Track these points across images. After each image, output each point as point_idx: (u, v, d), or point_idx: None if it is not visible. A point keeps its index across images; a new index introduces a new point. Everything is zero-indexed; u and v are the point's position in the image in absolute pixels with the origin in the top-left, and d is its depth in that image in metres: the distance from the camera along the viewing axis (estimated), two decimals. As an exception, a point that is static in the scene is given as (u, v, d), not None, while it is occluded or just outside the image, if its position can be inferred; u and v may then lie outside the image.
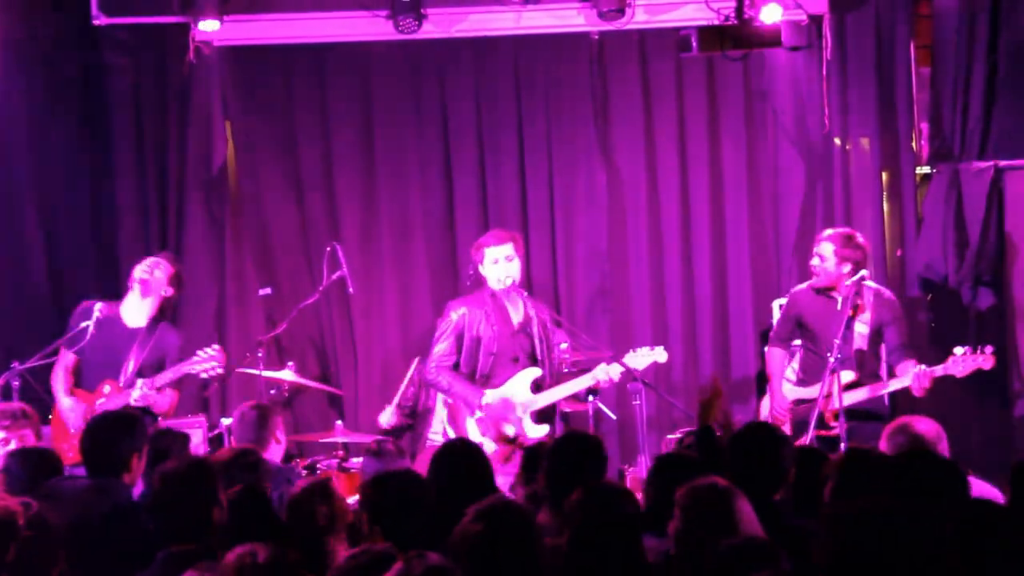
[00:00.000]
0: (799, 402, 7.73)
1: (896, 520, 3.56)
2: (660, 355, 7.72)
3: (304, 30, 9.13)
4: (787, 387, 7.91)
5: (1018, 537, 3.85)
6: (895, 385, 7.65)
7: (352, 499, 6.05)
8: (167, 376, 7.51)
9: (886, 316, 7.79)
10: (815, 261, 7.81)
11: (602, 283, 9.39)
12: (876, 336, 7.77)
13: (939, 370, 7.55)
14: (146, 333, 7.65)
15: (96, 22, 8.93)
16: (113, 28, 9.03)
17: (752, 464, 5.01)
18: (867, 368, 7.73)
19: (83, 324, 7.58)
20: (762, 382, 8.92)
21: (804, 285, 8.00)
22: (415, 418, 8.78)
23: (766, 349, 8.49)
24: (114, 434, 5.50)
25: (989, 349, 7.56)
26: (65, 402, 7.55)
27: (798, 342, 7.97)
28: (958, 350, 7.54)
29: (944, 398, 8.38)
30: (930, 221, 9.07)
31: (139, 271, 7.70)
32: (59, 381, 7.64)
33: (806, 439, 7.09)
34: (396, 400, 8.63)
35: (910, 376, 7.54)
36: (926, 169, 9.30)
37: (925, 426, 5.85)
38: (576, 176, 9.45)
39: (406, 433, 8.77)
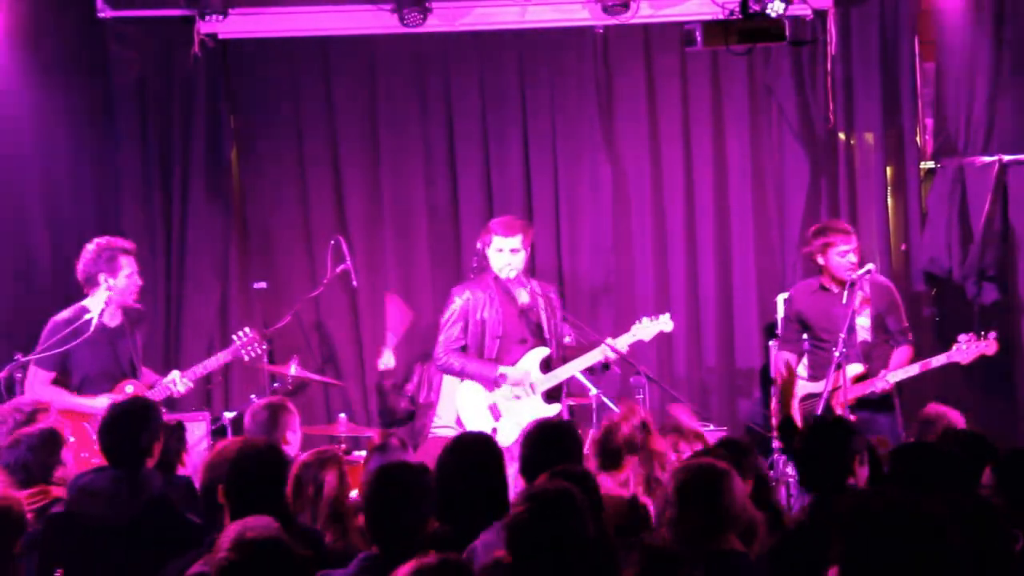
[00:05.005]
0: (808, 396, 7.75)
1: (905, 513, 3.57)
2: (666, 324, 7.72)
3: (309, 23, 9.17)
4: (799, 384, 7.92)
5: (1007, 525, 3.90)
6: (902, 375, 7.73)
7: (353, 492, 6.07)
8: (209, 365, 7.64)
9: (883, 304, 7.90)
10: (850, 257, 7.82)
11: (606, 277, 9.40)
12: (879, 325, 7.86)
13: (943, 358, 7.67)
14: (129, 326, 7.67)
15: (101, 15, 8.97)
16: (118, 21, 9.06)
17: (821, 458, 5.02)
18: (874, 357, 7.80)
19: (86, 317, 7.55)
20: (766, 376, 8.94)
21: (805, 282, 8.16)
22: (416, 407, 8.78)
23: (774, 352, 8.58)
24: (134, 424, 5.51)
25: (992, 335, 7.68)
26: (100, 400, 7.33)
27: (806, 336, 8.01)
28: (962, 337, 7.67)
29: (949, 391, 8.40)
30: (934, 216, 9.07)
31: (136, 281, 7.61)
32: (52, 392, 7.37)
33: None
34: (391, 344, 8.72)
35: (916, 367, 7.67)
36: (930, 164, 9.30)
37: (957, 418, 6.23)
38: (580, 170, 9.45)
39: (407, 424, 8.77)
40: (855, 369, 7.67)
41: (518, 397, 7.57)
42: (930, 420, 6.46)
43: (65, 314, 7.58)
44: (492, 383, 7.60)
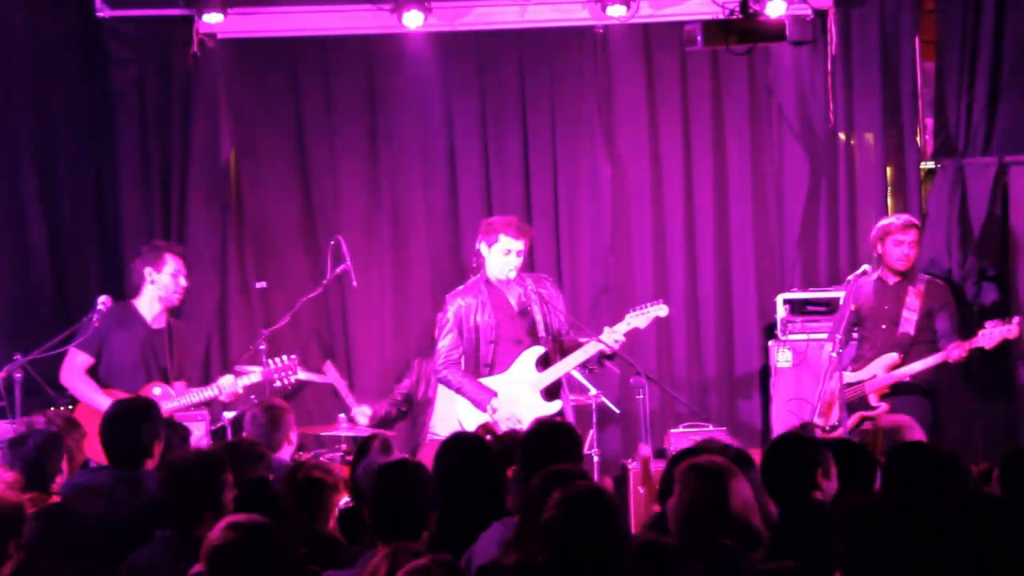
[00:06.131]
0: (847, 386, 7.79)
1: (906, 515, 3.57)
2: (661, 309, 7.68)
3: (308, 23, 9.16)
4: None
5: (1009, 525, 3.89)
6: (931, 361, 7.82)
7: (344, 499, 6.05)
8: (249, 381, 7.63)
9: (935, 303, 8.01)
10: (904, 249, 7.95)
11: (606, 277, 9.38)
12: (925, 320, 7.96)
13: (967, 345, 7.76)
14: (168, 333, 7.73)
15: (100, 15, 8.96)
16: (117, 21, 9.05)
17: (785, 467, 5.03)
18: (914, 351, 7.89)
19: (87, 318, 7.57)
20: (766, 376, 8.95)
21: (874, 276, 8.11)
22: (411, 407, 8.75)
23: (773, 352, 8.78)
24: (135, 423, 5.50)
25: (1016, 319, 7.77)
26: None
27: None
28: (988, 324, 7.79)
29: (950, 391, 8.40)
30: (935, 216, 9.05)
31: (180, 282, 7.73)
32: (85, 384, 7.50)
33: (847, 423, 7.50)
34: (350, 400, 8.67)
35: (943, 352, 7.80)
36: (930, 164, 9.28)
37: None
38: (580, 170, 9.44)
39: (397, 423, 8.75)
40: (890, 358, 7.84)
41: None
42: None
43: (112, 306, 7.63)
44: (484, 409, 7.54)
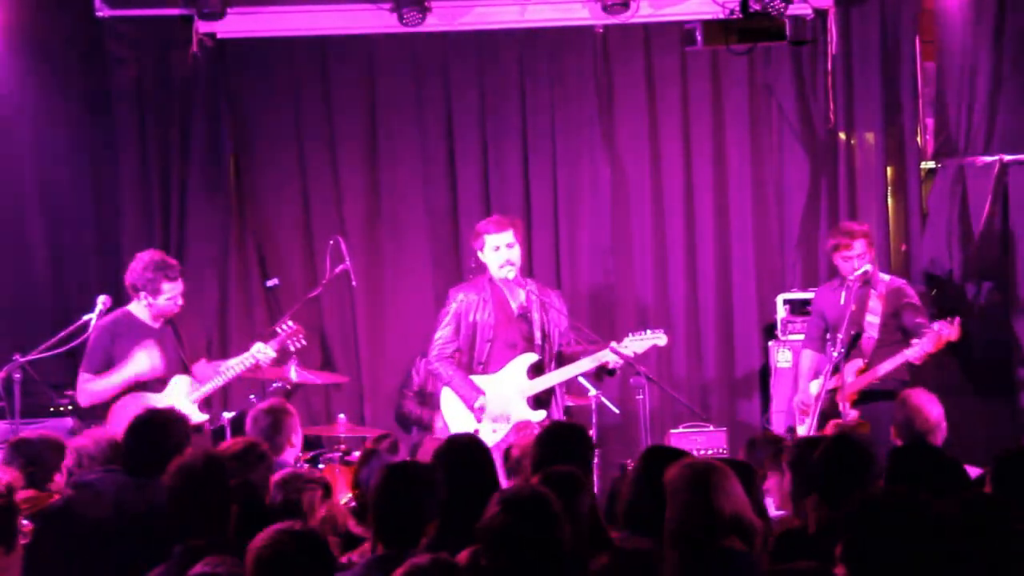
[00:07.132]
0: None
1: (905, 514, 3.57)
2: (660, 339, 7.65)
3: (307, 23, 9.16)
4: (815, 382, 7.94)
5: (1005, 525, 3.90)
6: (886, 367, 7.70)
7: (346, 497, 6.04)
8: (274, 346, 7.56)
9: (895, 304, 7.88)
10: (854, 263, 7.80)
11: (606, 277, 9.38)
12: (891, 322, 7.83)
13: (913, 350, 7.61)
14: (163, 330, 7.58)
15: (100, 14, 8.96)
16: (117, 21, 9.06)
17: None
18: (879, 355, 7.78)
19: (86, 317, 7.54)
20: (766, 376, 8.95)
21: (829, 281, 8.19)
22: (423, 406, 8.70)
23: (774, 352, 8.77)
24: (162, 436, 5.47)
25: (957, 320, 7.59)
26: (140, 360, 7.30)
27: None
28: (935, 324, 7.60)
29: (949, 390, 8.38)
30: (935, 216, 9.05)
31: (177, 301, 7.53)
32: (103, 377, 7.30)
33: (813, 428, 7.39)
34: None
35: (901, 356, 7.66)
36: (931, 164, 9.29)
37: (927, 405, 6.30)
38: (580, 170, 9.44)
39: (413, 426, 8.73)
40: (855, 364, 7.73)
41: (495, 431, 7.48)
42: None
43: (109, 318, 7.46)
44: (470, 407, 7.53)
